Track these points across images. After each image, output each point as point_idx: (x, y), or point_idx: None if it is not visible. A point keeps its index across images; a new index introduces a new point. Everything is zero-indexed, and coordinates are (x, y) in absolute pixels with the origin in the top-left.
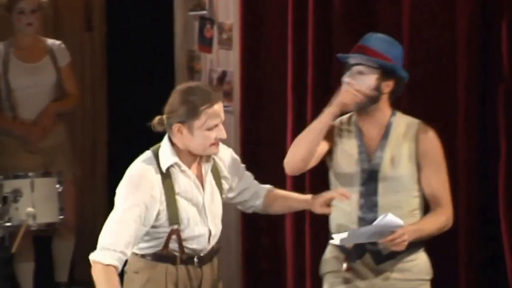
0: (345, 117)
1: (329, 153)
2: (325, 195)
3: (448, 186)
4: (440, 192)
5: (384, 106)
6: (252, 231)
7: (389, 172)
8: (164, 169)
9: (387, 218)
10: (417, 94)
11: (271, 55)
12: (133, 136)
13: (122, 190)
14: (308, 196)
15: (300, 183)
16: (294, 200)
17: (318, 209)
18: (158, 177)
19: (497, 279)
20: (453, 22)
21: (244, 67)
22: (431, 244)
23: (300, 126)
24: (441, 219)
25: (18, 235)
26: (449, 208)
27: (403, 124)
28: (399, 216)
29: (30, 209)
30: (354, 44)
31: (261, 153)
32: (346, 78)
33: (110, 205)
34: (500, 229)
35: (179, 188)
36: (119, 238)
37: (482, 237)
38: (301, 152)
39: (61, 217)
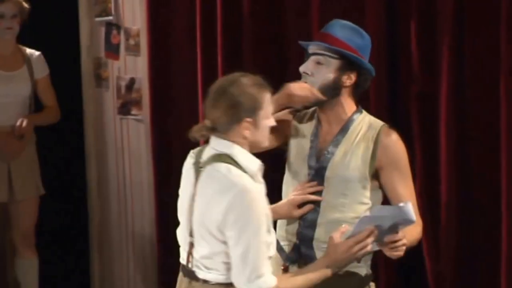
0: (311, 109)
1: (286, 145)
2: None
3: (414, 193)
4: (409, 199)
5: (345, 101)
6: None
7: (337, 171)
8: (252, 174)
9: (406, 207)
10: None
11: (180, 60)
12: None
13: (247, 212)
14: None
15: None
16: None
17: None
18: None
19: None
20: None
21: (152, 73)
22: None
23: None
24: (418, 229)
25: None
26: (419, 217)
27: (365, 123)
28: (339, 222)
29: None
30: (262, 49)
31: (172, 161)
32: (301, 68)
33: None
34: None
35: None
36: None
37: None
38: None
39: None
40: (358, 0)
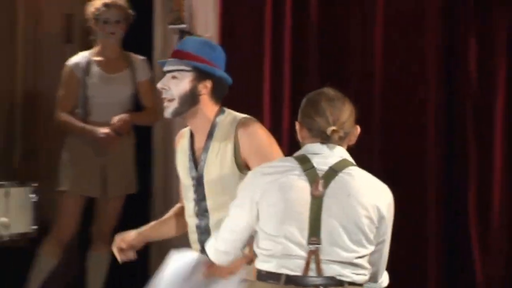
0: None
1: None
2: None
3: None
4: None
5: (206, 107)
6: None
7: (212, 174)
8: None
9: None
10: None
11: (248, 68)
12: None
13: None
14: None
15: None
16: None
17: None
18: None
19: None
20: (421, 40)
21: None
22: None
23: (278, 136)
24: None
25: None
26: None
27: (228, 122)
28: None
29: (3, 219)
30: (328, 63)
31: None
32: (158, 85)
33: None
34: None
35: None
36: None
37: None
38: None
39: (34, 227)
40: (418, 17)
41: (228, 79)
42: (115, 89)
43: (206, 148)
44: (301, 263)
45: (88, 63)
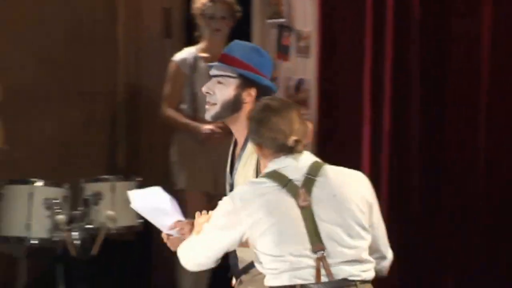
0: None
1: None
2: None
3: None
4: None
5: (246, 115)
6: None
7: (238, 184)
8: None
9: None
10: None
11: (348, 63)
12: None
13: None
14: None
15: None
16: None
17: None
18: None
19: None
20: None
21: (320, 75)
22: None
23: (376, 135)
24: None
25: (98, 237)
26: None
27: None
28: None
29: (110, 212)
30: (430, 53)
31: (337, 160)
32: (203, 88)
33: None
34: None
35: None
36: None
37: None
38: None
39: (140, 220)
40: None
41: (274, 87)
42: None
43: (239, 158)
44: (312, 271)
45: (195, 60)
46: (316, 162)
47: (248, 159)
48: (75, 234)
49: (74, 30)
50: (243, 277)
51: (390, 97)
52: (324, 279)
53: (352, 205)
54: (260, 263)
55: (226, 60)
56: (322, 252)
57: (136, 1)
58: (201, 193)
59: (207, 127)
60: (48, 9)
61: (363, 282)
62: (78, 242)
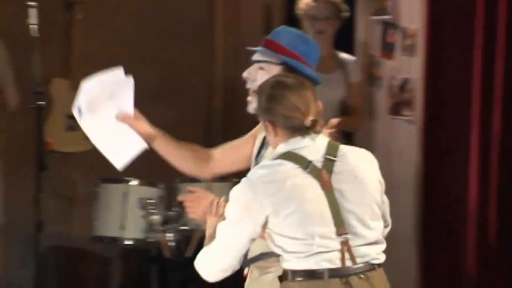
0: None
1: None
2: None
3: None
4: None
5: None
6: None
7: None
8: None
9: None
10: None
11: (456, 62)
12: None
13: None
14: None
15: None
16: None
17: None
18: None
19: None
20: None
21: (428, 75)
22: None
23: (486, 137)
24: None
25: (193, 239)
26: None
27: None
28: None
29: None
30: None
31: (443, 162)
32: (244, 74)
33: None
34: None
35: None
36: None
37: None
38: None
39: None
40: None
41: (317, 79)
42: (326, 90)
43: (266, 145)
44: (338, 255)
45: None
46: (331, 142)
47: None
48: (169, 235)
49: (172, 27)
50: (251, 267)
51: (501, 98)
52: (348, 263)
53: (370, 186)
54: (279, 247)
55: (271, 45)
56: (346, 235)
57: None
58: None
59: None
60: (145, 6)
61: (380, 265)
62: (172, 243)
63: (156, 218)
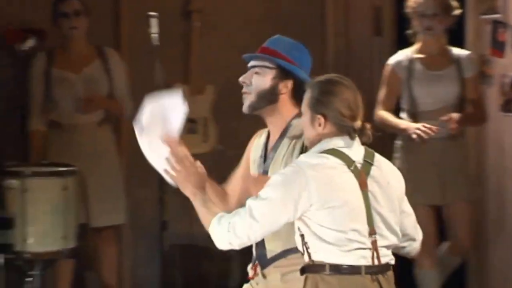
0: None
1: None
2: None
3: None
4: None
5: (284, 107)
6: None
7: (275, 172)
8: None
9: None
10: None
11: None
12: None
13: None
14: None
15: None
16: None
17: None
18: None
19: None
20: None
21: None
22: None
23: None
24: None
25: None
26: None
27: (302, 126)
28: None
29: None
30: None
31: None
32: (240, 78)
33: None
34: None
35: None
36: None
37: None
38: None
39: None
40: None
41: (308, 81)
42: (441, 88)
43: (275, 148)
44: (370, 253)
45: (411, 62)
46: (368, 149)
47: (288, 148)
48: None
49: (282, 29)
50: (270, 268)
51: None
52: (376, 262)
53: (398, 194)
54: (316, 235)
55: (266, 51)
56: (375, 235)
57: (345, 1)
58: (427, 206)
59: (417, 126)
60: (259, 13)
61: (392, 266)
62: None
63: None
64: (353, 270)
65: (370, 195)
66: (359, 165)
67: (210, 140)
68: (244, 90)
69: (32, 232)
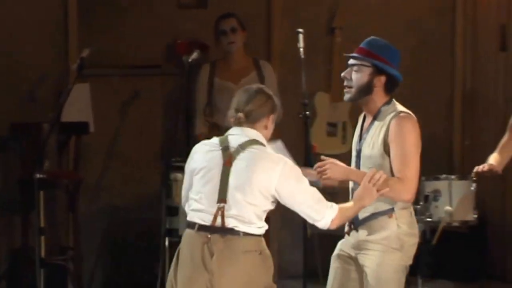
0: None
1: None
2: None
3: (412, 168)
4: (399, 172)
5: (377, 97)
6: None
7: (366, 152)
8: None
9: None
10: None
11: None
12: None
13: (297, 172)
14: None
15: None
16: None
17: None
18: None
19: None
20: None
21: None
22: None
23: None
24: (397, 186)
25: (438, 229)
26: (408, 183)
27: (389, 112)
28: None
29: (448, 208)
30: None
31: None
32: (342, 74)
33: None
34: None
35: None
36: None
37: None
38: None
39: (475, 215)
40: None
41: (400, 77)
42: None
43: (368, 129)
44: (210, 217)
45: None
46: (253, 140)
47: (376, 131)
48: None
49: (418, 48)
50: (360, 231)
51: None
52: (217, 224)
53: (258, 177)
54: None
55: (362, 52)
56: (223, 204)
57: (473, 18)
58: None
59: None
60: (395, 25)
61: (248, 234)
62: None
63: None
64: (189, 225)
65: (231, 171)
66: (232, 148)
67: (348, 141)
68: (345, 84)
69: None
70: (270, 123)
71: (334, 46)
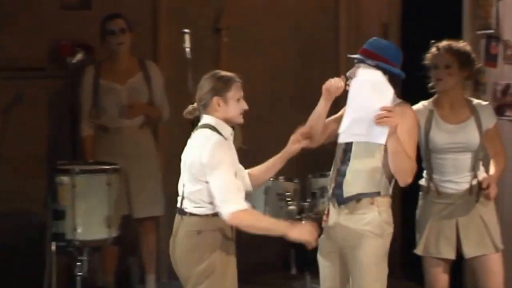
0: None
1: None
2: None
3: (411, 151)
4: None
5: None
6: None
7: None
8: (227, 137)
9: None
10: None
11: None
12: None
13: (217, 157)
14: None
15: None
16: (273, 161)
17: (292, 149)
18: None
19: None
20: None
21: None
22: None
23: None
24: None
25: None
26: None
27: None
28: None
29: None
30: None
31: None
32: (348, 73)
33: None
34: None
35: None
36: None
37: None
38: None
39: None
40: None
41: (402, 75)
42: (462, 139)
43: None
44: (180, 198)
45: (431, 112)
46: (204, 124)
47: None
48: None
49: (306, 50)
50: (342, 211)
51: None
52: (180, 204)
53: (193, 158)
54: None
55: (366, 53)
56: (183, 186)
57: (357, 17)
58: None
59: None
60: (282, 34)
61: (192, 214)
62: None
63: (292, 208)
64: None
65: (186, 151)
66: (196, 131)
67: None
68: (348, 82)
69: (80, 222)
70: (221, 101)
71: (221, 46)
